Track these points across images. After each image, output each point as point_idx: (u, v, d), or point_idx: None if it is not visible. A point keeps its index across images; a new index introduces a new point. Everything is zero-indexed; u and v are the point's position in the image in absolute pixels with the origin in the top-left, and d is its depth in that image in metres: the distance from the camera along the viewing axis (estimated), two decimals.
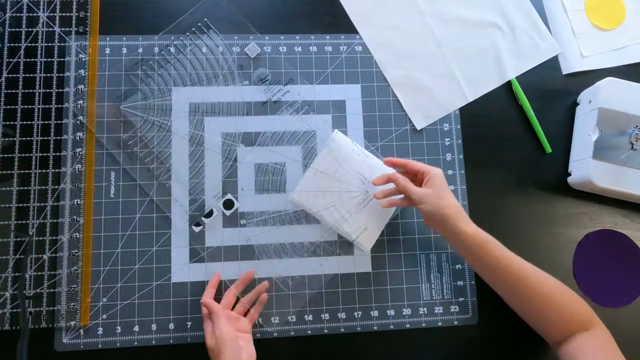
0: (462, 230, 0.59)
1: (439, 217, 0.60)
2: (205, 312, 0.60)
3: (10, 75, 0.68)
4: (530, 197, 0.71)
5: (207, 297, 0.62)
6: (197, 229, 0.66)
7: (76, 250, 0.64)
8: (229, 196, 0.67)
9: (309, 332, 0.65)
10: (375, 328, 0.66)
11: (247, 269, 0.66)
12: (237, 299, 0.64)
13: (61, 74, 0.68)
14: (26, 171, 0.66)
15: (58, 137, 0.67)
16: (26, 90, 0.67)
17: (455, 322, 0.67)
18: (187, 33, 0.71)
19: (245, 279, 0.65)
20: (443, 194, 0.60)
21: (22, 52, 0.68)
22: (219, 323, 0.58)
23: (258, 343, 0.61)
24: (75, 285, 0.64)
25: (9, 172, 0.65)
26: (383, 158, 0.66)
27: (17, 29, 0.69)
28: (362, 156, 0.68)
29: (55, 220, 0.65)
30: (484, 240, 0.59)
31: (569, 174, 0.71)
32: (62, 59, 0.69)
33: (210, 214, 0.66)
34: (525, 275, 0.58)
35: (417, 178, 0.64)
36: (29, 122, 0.67)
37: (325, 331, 0.65)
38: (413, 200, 0.61)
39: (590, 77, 0.74)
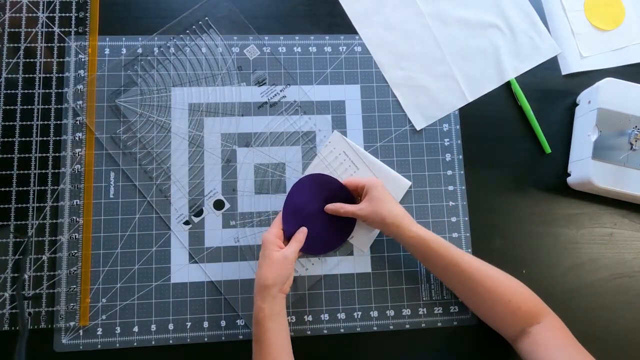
0: (403, 234, 0.59)
1: (382, 228, 0.62)
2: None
3: (9, 76, 0.68)
4: (529, 198, 0.71)
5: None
6: (186, 227, 0.66)
7: (75, 251, 0.64)
8: (219, 196, 0.67)
9: (309, 332, 0.65)
10: (375, 328, 0.66)
11: (247, 269, 0.66)
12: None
13: (60, 75, 0.68)
14: (25, 171, 0.65)
15: (57, 138, 0.67)
16: (25, 91, 0.67)
17: (455, 323, 0.67)
18: (187, 31, 0.71)
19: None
20: (379, 205, 0.60)
21: (21, 52, 0.68)
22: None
23: None
24: (74, 286, 0.63)
25: (8, 172, 0.65)
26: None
27: (17, 30, 0.69)
28: (353, 167, 0.68)
29: (54, 221, 0.65)
30: (426, 240, 0.59)
31: (569, 175, 0.71)
32: (61, 59, 0.69)
33: (200, 213, 0.67)
34: (470, 271, 0.58)
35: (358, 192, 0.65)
36: (28, 123, 0.67)
37: (325, 332, 0.65)
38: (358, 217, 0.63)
39: (589, 77, 0.75)
